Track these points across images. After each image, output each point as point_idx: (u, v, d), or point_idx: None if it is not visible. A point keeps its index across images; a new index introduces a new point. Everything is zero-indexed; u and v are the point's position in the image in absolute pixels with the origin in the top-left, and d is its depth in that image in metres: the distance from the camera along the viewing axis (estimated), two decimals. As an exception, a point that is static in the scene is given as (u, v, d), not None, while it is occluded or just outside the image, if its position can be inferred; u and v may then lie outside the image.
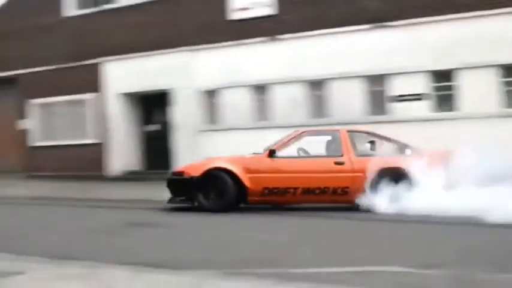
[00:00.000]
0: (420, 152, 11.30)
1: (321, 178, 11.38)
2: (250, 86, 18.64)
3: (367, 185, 11.05)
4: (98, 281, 5.51)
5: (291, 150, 12.07)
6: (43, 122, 23.35)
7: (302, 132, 12.50)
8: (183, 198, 11.86)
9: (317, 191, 11.40)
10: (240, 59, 18.61)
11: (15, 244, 8.19)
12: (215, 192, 11.57)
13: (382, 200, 10.71)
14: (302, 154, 12.12)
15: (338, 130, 12.09)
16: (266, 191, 11.56)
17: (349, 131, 11.98)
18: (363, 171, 11.20)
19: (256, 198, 11.67)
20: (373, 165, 11.12)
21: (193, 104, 19.50)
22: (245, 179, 11.54)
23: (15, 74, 23.75)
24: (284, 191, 11.51)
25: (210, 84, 19.22)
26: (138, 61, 20.53)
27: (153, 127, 21.06)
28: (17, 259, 6.76)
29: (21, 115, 23.68)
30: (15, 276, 5.71)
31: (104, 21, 21.55)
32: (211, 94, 19.39)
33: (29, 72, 23.30)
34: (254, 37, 18.51)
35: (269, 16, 18.42)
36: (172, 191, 12.04)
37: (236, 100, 18.77)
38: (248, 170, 11.63)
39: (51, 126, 23.02)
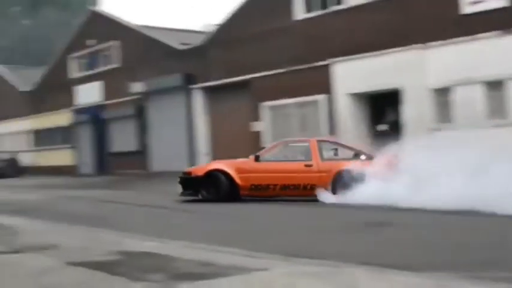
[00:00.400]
0: (371, 157, 13.83)
1: (294, 177, 14.33)
2: (484, 82, 17.88)
3: (329, 182, 13.90)
4: (339, 281, 5.46)
5: (272, 155, 15.28)
6: (274, 124, 24.03)
7: (282, 142, 16.45)
8: (190, 192, 15.11)
9: (291, 187, 14.39)
10: (473, 54, 17.91)
11: (250, 241, 8.43)
12: (214, 187, 14.74)
13: (339, 193, 13.42)
14: (284, 159, 15.16)
15: (309, 140, 15.15)
16: (253, 187, 14.67)
17: (318, 141, 14.93)
18: (327, 171, 14.07)
19: (246, 193, 14.72)
20: (334, 167, 14.00)
21: (425, 102, 19.07)
22: (237, 178, 14.74)
23: (248, 78, 24.66)
24: (266, 187, 14.59)
25: (442, 82, 18.68)
26: (367, 61, 20.45)
27: (382, 126, 20.88)
28: (253, 256, 6.89)
29: (254, 117, 24.53)
30: (258, 272, 5.82)
31: (332, 23, 21.74)
32: (443, 92, 18.84)
33: (261, 76, 24.08)
34: (486, 31, 17.74)
35: (502, 8, 17.57)
36: (182, 186, 15.26)
37: (469, 97, 18.08)
38: (239, 171, 14.79)
39: (282, 127, 23.60)
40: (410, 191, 11.81)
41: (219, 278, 5.55)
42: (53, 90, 38.83)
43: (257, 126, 24.34)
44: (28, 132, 42.59)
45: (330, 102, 21.83)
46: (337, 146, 15.30)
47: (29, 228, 9.70)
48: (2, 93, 45.95)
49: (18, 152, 41.24)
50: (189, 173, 15.50)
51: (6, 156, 39.66)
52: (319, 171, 14.18)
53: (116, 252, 7.01)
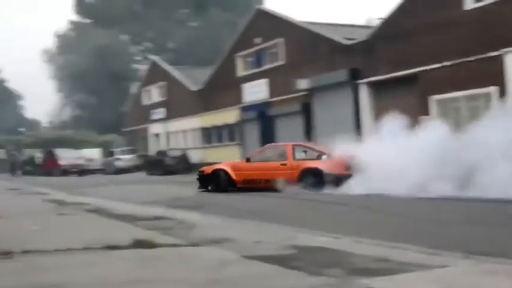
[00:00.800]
0: (332, 157, 17.86)
1: (274, 173, 18.70)
2: None
3: (297, 177, 18.15)
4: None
5: (259, 157, 20.05)
6: (443, 118, 23.31)
7: (269, 146, 21.79)
8: (203, 186, 19.97)
9: (272, 181, 18.50)
10: None
11: (428, 238, 8.22)
12: (217, 182, 19.58)
13: (305, 186, 17.57)
14: (267, 159, 19.65)
15: (285, 145, 20.14)
16: (245, 181, 19.36)
17: (292, 145, 19.60)
18: (296, 169, 18.40)
19: (240, 185, 19.33)
20: (301, 166, 18.38)
21: None
22: (233, 175, 19.54)
23: (415, 72, 24.14)
24: (254, 180, 19.19)
25: None
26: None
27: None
28: (428, 252, 6.71)
29: (422, 112, 23.94)
30: (438, 269, 5.64)
31: (504, 11, 20.81)
32: None
33: (429, 69, 23.49)
34: None
35: None
36: (199, 182, 20.20)
37: None
38: (235, 169, 19.71)
39: (451, 121, 22.87)
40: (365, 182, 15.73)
41: (398, 274, 5.42)
42: (221, 89, 39.88)
43: (427, 120, 23.69)
44: (197, 130, 44.02)
45: (503, 95, 20.91)
46: (306, 148, 19.83)
47: (203, 223, 9.98)
48: (174, 93, 47.82)
49: (187, 149, 42.72)
50: (202, 172, 20.37)
51: (177, 153, 41.20)
52: (291, 169, 18.49)
53: (289, 247, 7.06)
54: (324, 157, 18.31)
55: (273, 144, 23.10)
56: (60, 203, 15.30)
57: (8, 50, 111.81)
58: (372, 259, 6.25)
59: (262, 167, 19.19)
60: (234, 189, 19.20)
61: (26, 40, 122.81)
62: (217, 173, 19.69)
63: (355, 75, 27.30)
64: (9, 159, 53.30)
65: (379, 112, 26.42)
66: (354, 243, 7.56)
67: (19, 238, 8.07)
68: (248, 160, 19.89)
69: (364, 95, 27.09)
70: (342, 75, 27.93)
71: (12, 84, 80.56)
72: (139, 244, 7.19)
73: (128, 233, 8.32)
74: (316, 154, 18.89)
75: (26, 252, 6.86)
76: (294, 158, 18.86)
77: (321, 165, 17.82)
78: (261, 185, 18.80)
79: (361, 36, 27.66)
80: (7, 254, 6.68)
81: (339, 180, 16.74)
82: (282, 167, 18.71)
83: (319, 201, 14.69)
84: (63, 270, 5.87)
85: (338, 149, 17.35)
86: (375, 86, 26.76)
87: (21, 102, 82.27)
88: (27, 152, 55.66)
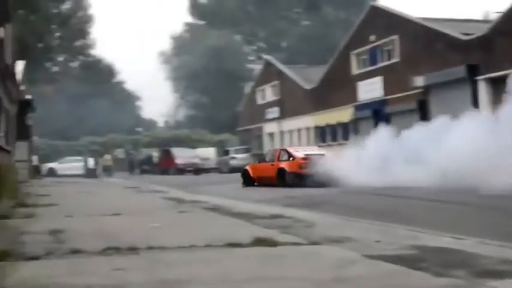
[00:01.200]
0: (293, 159, 23.35)
1: (267, 171, 23.93)
2: None
3: (275, 174, 23.61)
4: None
5: (266, 159, 26.33)
6: None
7: (271, 150, 30.10)
8: (244, 182, 25.37)
9: (267, 178, 23.80)
10: None
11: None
12: (246, 178, 25.31)
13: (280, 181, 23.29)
14: (268, 160, 25.35)
15: (276, 149, 27.17)
16: (258, 178, 24.68)
17: (280, 149, 25.54)
18: (276, 168, 23.54)
19: (256, 181, 24.67)
20: (277, 165, 23.52)
21: None
22: (251, 173, 25.17)
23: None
24: (261, 177, 24.42)
25: None
26: None
27: None
28: None
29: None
30: None
31: None
32: None
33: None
34: None
35: None
36: (242, 178, 25.71)
37: None
38: (252, 168, 25.44)
39: None
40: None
41: (528, 277, 5.24)
42: (335, 87, 39.76)
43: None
44: (311, 128, 44.04)
45: None
46: (285, 152, 24.40)
47: (320, 221, 9.97)
48: (288, 92, 48.08)
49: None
50: (243, 170, 26.23)
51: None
52: (275, 168, 23.53)
53: (411, 247, 6.95)
54: (290, 159, 23.40)
55: (274, 149, 30.95)
56: (178, 200, 15.64)
57: (126, 53, 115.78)
58: (498, 261, 6.05)
59: (264, 167, 24.73)
60: (255, 185, 24.70)
61: (143, 42, 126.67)
62: (244, 171, 25.79)
63: (473, 71, 26.61)
64: (128, 158, 55.15)
65: (499, 109, 25.65)
66: (477, 244, 7.34)
67: (142, 235, 8.28)
68: (259, 162, 26.46)
69: (483, 92, 26.36)
70: (459, 71, 27.28)
71: (130, 85, 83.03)
72: (260, 242, 7.24)
73: (247, 231, 8.40)
74: (287, 156, 23.79)
75: (150, 248, 7.04)
76: (278, 159, 23.98)
77: (285, 165, 23.20)
78: (264, 181, 24.04)
79: (479, 31, 26.94)
80: (133, 250, 6.89)
81: (297, 176, 22.21)
82: (271, 167, 23.93)
83: (424, 199, 14.37)
84: (186, 267, 5.98)
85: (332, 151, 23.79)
86: (494, 82, 25.99)
87: (138, 103, 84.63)
88: (144, 151, 57.31)
